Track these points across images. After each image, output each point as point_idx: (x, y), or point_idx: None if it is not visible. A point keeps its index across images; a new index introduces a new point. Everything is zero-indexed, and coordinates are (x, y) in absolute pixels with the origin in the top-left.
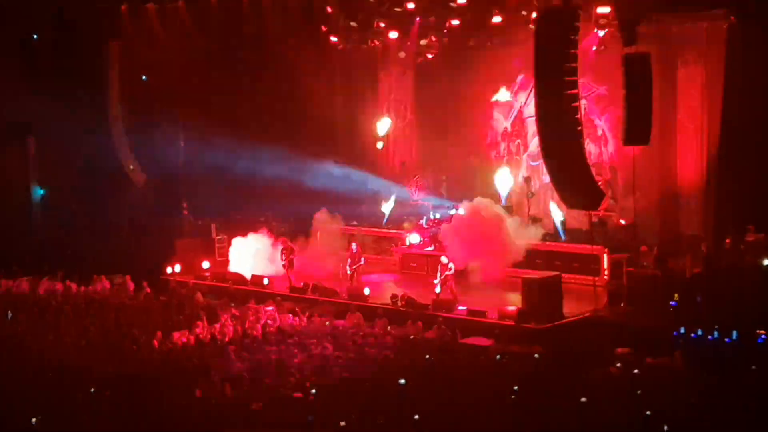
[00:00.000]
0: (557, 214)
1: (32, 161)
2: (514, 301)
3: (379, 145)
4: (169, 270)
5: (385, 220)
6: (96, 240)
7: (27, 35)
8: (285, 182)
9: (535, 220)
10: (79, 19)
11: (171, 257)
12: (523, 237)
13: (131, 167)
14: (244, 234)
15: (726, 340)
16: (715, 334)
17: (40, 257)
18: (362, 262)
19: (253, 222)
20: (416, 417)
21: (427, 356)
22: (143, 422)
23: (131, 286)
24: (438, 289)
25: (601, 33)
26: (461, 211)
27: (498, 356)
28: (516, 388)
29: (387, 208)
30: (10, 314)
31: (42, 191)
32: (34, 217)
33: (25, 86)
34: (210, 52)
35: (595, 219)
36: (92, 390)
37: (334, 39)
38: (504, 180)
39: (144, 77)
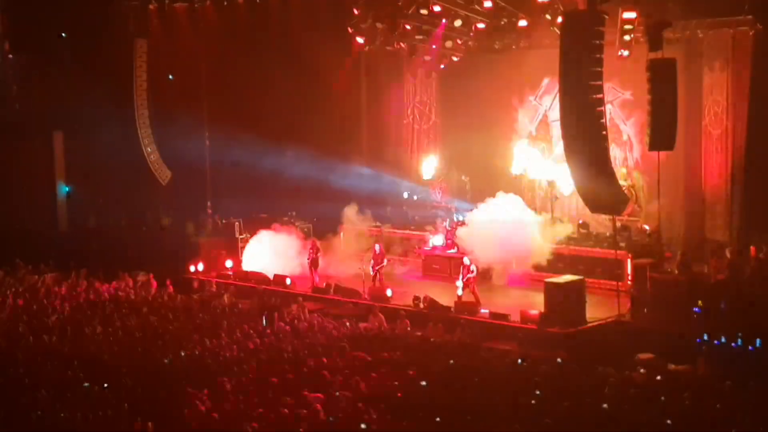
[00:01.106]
0: None
1: (58, 158)
2: (536, 305)
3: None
4: (192, 269)
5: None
6: (120, 237)
7: (56, 33)
8: (309, 182)
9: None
10: (107, 18)
11: (194, 256)
12: (548, 236)
13: (156, 165)
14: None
15: (749, 347)
16: (739, 341)
17: (65, 254)
18: (385, 263)
19: (277, 221)
20: (438, 419)
21: (451, 361)
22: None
23: (154, 284)
24: (460, 291)
25: (627, 38)
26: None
27: (520, 360)
28: (538, 392)
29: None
30: None
31: (67, 188)
32: (59, 213)
33: (53, 83)
34: (236, 51)
35: (619, 224)
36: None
37: (360, 40)
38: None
39: (170, 76)
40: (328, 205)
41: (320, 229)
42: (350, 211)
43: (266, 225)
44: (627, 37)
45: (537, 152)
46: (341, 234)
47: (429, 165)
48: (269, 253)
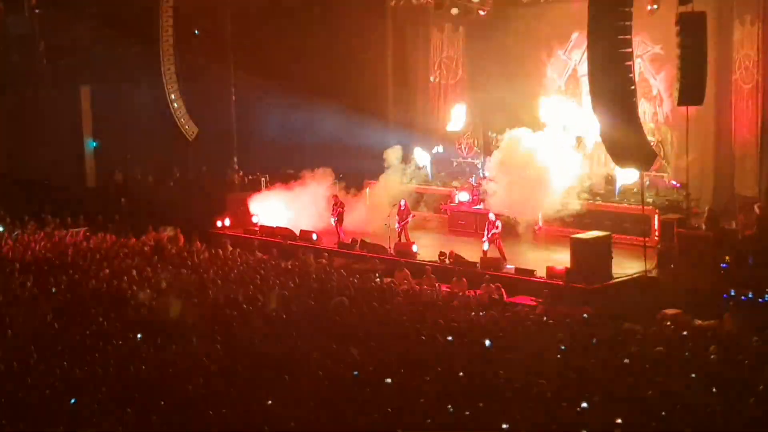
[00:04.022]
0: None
1: (86, 113)
2: (563, 261)
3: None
4: (219, 224)
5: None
6: (147, 192)
7: None
8: (335, 137)
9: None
10: None
11: (221, 211)
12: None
13: (183, 120)
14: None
15: None
16: (766, 296)
17: (93, 209)
18: (411, 219)
19: (303, 177)
20: (461, 374)
21: (473, 313)
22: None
23: (182, 239)
24: (486, 246)
25: None
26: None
27: (545, 317)
28: (563, 347)
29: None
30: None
31: (95, 143)
32: (87, 168)
33: (80, 38)
34: (262, 7)
35: (646, 179)
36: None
37: None
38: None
39: (197, 32)
40: (354, 161)
41: (347, 184)
42: (392, 155)
43: (292, 180)
44: None
45: (570, 105)
46: (367, 190)
47: (456, 119)
48: (294, 208)
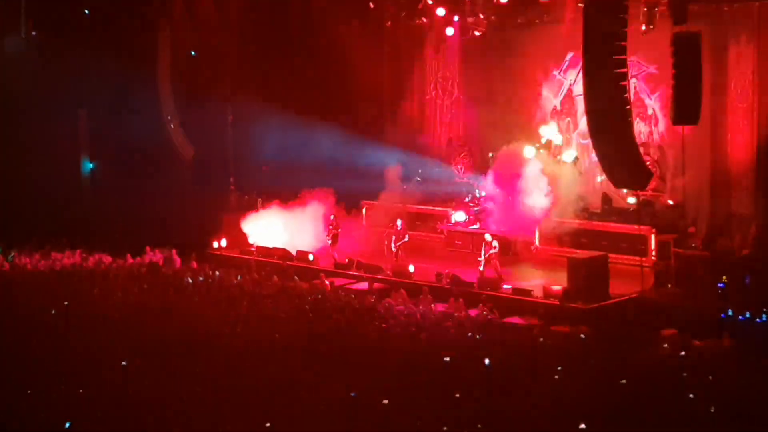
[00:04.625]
0: None
1: (82, 135)
2: (559, 281)
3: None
4: (215, 245)
5: None
6: (144, 214)
7: (79, 11)
8: (331, 158)
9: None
10: None
11: (217, 232)
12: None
13: (180, 141)
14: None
15: None
16: (764, 316)
17: (89, 231)
18: (407, 239)
19: (300, 197)
20: (457, 395)
21: (470, 334)
22: None
23: (177, 260)
24: (482, 267)
25: (652, 11)
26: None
27: (541, 338)
28: (560, 368)
29: None
30: None
31: (91, 165)
32: (83, 190)
33: (77, 61)
34: (259, 28)
35: (642, 199)
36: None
37: (382, 16)
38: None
39: (193, 52)
40: (350, 182)
41: (343, 205)
42: (393, 173)
43: (289, 201)
44: (652, 11)
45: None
46: (363, 210)
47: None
48: (291, 228)
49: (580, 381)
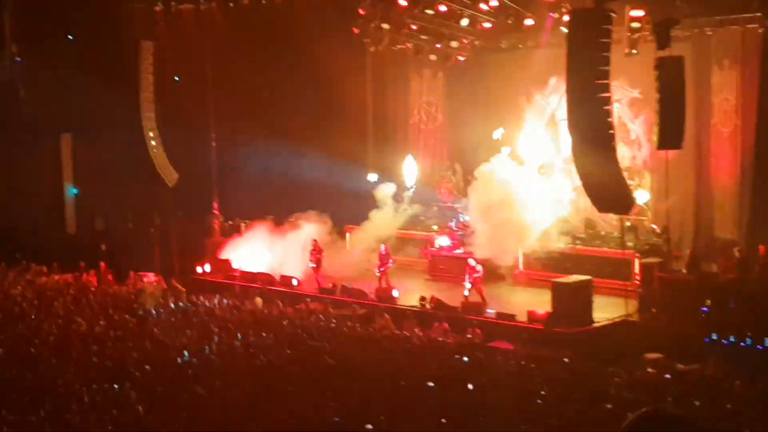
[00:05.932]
0: None
1: (66, 160)
2: (543, 305)
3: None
4: (199, 269)
5: None
6: (127, 239)
7: (63, 35)
8: (315, 183)
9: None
10: (113, 20)
11: (201, 257)
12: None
13: (163, 166)
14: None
15: (758, 347)
16: (748, 340)
17: (73, 255)
18: (391, 264)
19: (284, 222)
20: (443, 420)
21: (456, 355)
22: None
23: (164, 285)
24: (467, 292)
25: (635, 36)
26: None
27: (523, 362)
28: (544, 392)
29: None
30: None
31: (75, 190)
32: (67, 215)
33: (61, 85)
34: (242, 52)
35: (626, 223)
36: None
37: (366, 41)
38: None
39: (176, 78)
40: (333, 206)
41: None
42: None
43: (273, 226)
44: (635, 36)
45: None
46: (347, 235)
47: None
48: (274, 253)
49: (564, 405)
